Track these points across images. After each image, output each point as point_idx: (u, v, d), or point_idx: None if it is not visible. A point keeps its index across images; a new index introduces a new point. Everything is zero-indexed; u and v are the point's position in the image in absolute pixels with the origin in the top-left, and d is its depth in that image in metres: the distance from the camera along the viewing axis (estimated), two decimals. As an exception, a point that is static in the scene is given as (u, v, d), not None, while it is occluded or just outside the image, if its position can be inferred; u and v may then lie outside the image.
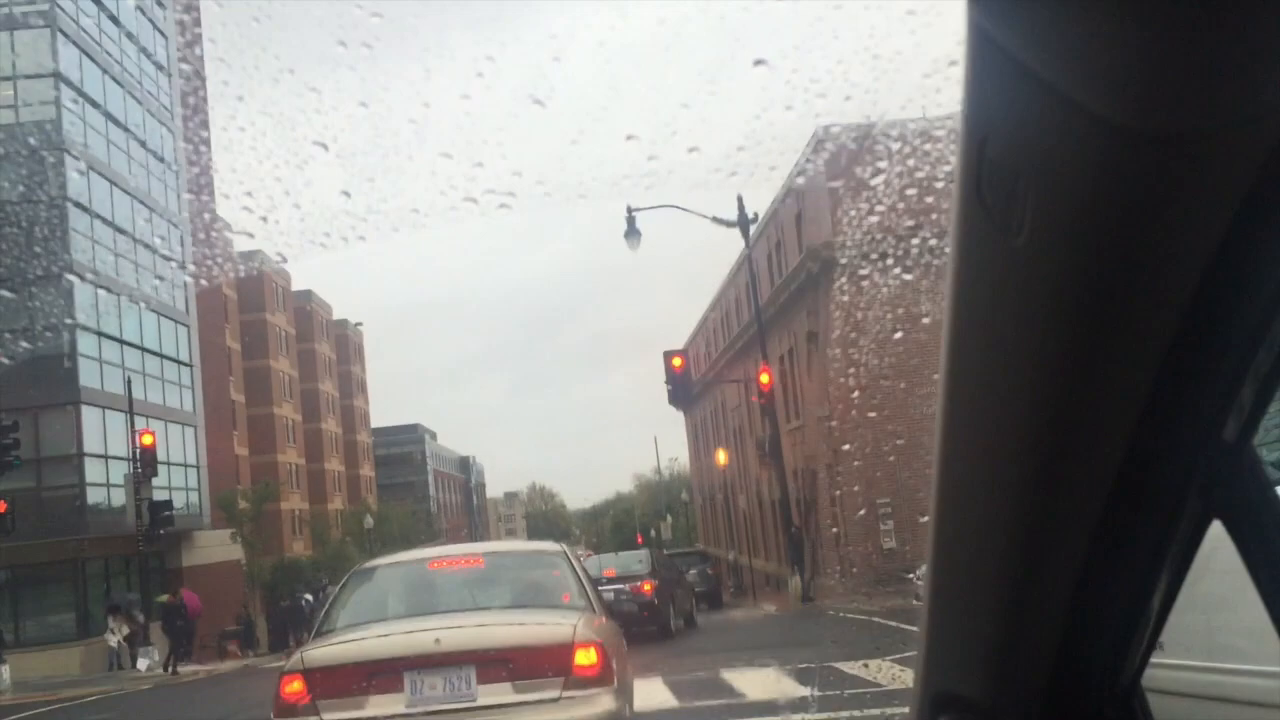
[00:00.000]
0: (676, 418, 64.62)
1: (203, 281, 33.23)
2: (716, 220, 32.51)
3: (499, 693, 6.27)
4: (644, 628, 18.50)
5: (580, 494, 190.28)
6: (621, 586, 19.61)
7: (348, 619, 7.27)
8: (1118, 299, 0.81)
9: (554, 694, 6.23)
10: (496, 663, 6.33)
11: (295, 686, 6.40)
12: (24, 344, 30.57)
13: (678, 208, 33.98)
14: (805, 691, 11.81)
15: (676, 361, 31.09)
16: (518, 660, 6.31)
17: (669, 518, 72.39)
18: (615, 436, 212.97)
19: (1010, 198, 0.80)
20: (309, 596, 39.53)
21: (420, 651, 6.35)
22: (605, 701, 6.35)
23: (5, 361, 28.50)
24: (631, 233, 31.88)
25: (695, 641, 18.04)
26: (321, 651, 6.62)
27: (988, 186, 0.82)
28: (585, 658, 6.39)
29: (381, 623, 7.13)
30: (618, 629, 7.61)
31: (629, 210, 32.15)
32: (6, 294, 29.24)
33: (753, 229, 32.99)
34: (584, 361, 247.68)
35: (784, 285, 35.39)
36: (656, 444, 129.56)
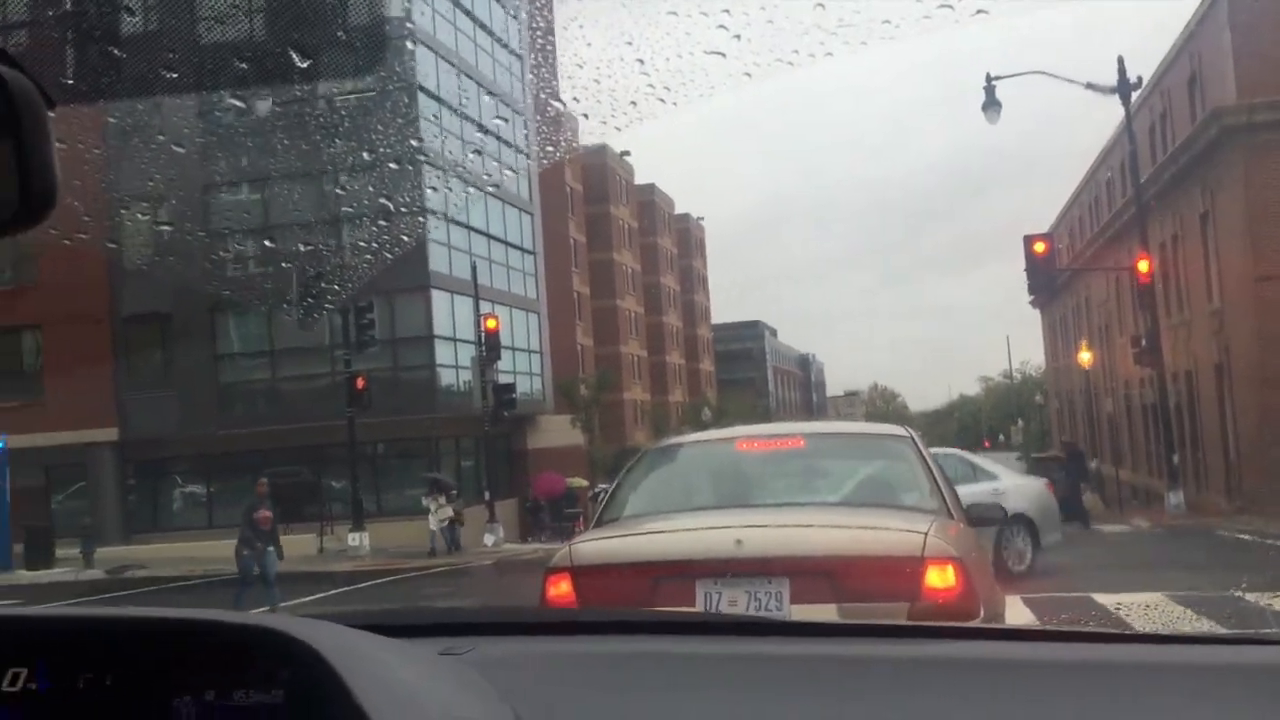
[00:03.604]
0: (1029, 319, 60.01)
1: (548, 165, 33.16)
2: (1091, 86, 28.61)
3: (818, 616, 4.61)
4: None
5: (923, 396, 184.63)
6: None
7: (634, 508, 5.82)
8: None
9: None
10: (817, 576, 4.64)
11: (562, 588, 5.02)
12: (381, 225, 31.79)
13: (1044, 73, 30.33)
14: (1207, 625, 9.45)
15: (1039, 246, 27.74)
16: (846, 575, 4.59)
17: (1020, 421, 67.93)
18: (963, 339, 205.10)
19: None
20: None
21: (717, 555, 4.78)
22: None
23: (361, 246, 29.71)
24: (990, 104, 28.70)
25: (1059, 556, 15.71)
26: (594, 546, 5.20)
27: None
28: (939, 577, 4.58)
29: (673, 515, 5.63)
30: (979, 542, 5.71)
31: (988, 78, 28.95)
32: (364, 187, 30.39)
33: (1135, 96, 28.73)
34: (934, 263, 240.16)
35: (1170, 160, 30.80)
36: (1009, 344, 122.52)
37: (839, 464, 6.02)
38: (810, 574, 4.65)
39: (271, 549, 15.67)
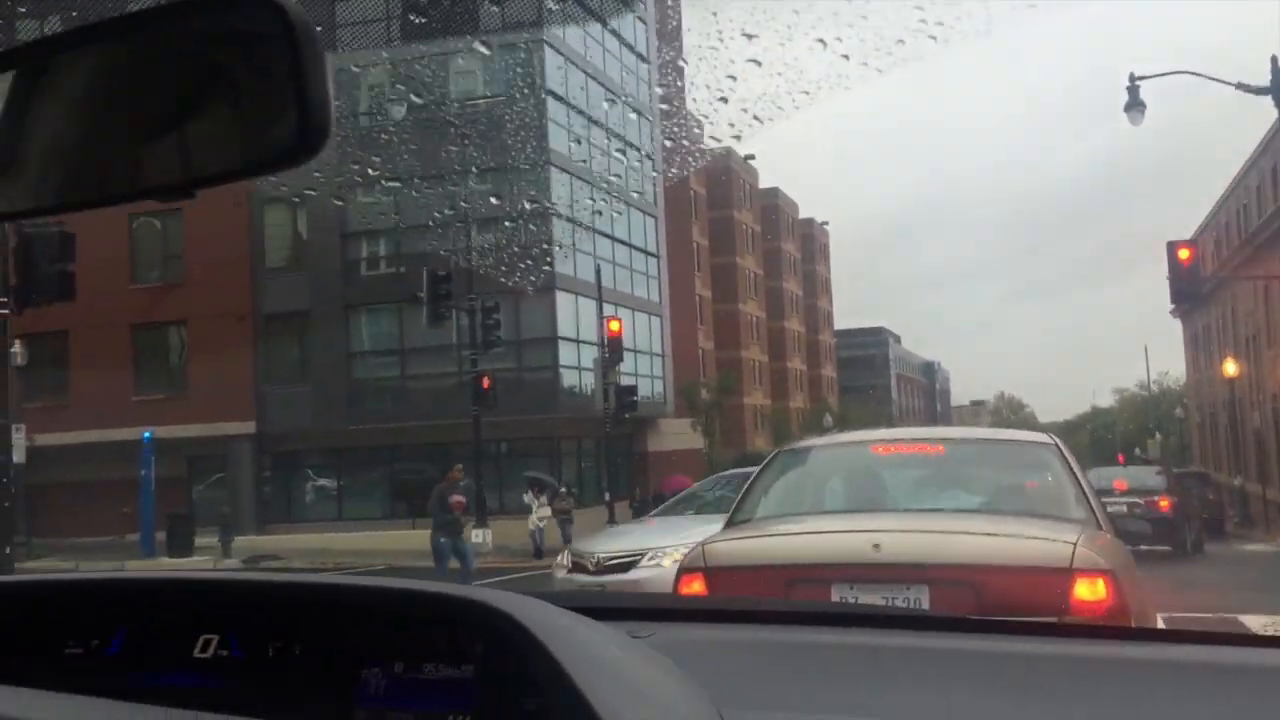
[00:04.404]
0: (1167, 329, 57.78)
1: (673, 172, 33.27)
2: (1241, 86, 27.38)
3: (964, 624, 4.47)
4: (1153, 545, 16.37)
5: (1052, 407, 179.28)
6: (1135, 500, 18.08)
7: (768, 509, 5.75)
8: None
9: (1041, 638, 4.33)
10: (958, 584, 4.50)
11: (695, 588, 4.98)
12: (508, 225, 32.33)
13: (1192, 73, 29.16)
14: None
15: (1183, 253, 26.66)
16: (989, 584, 4.43)
17: (1158, 435, 65.40)
18: (1096, 349, 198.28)
19: None
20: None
21: (855, 559, 4.68)
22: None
23: (489, 247, 30.23)
24: (1134, 104, 27.69)
25: (1204, 572, 15.10)
26: (728, 546, 5.14)
27: None
28: (1089, 589, 4.39)
29: (808, 517, 5.54)
30: (1129, 554, 5.48)
31: (1131, 78, 27.95)
32: (489, 189, 30.94)
33: (1288, 96, 27.36)
34: (1070, 271, 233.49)
35: (1327, 163, 29.29)
36: (1147, 354, 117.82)
37: (981, 471, 5.84)
38: (951, 582, 4.51)
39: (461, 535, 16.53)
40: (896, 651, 1.51)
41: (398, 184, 29.15)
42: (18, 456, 25.46)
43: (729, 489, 12.41)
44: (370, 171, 31.17)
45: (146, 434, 29.48)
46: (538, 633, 0.99)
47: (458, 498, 16.48)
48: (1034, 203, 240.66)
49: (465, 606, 1.08)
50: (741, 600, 4.10)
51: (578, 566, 11.02)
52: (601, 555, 10.97)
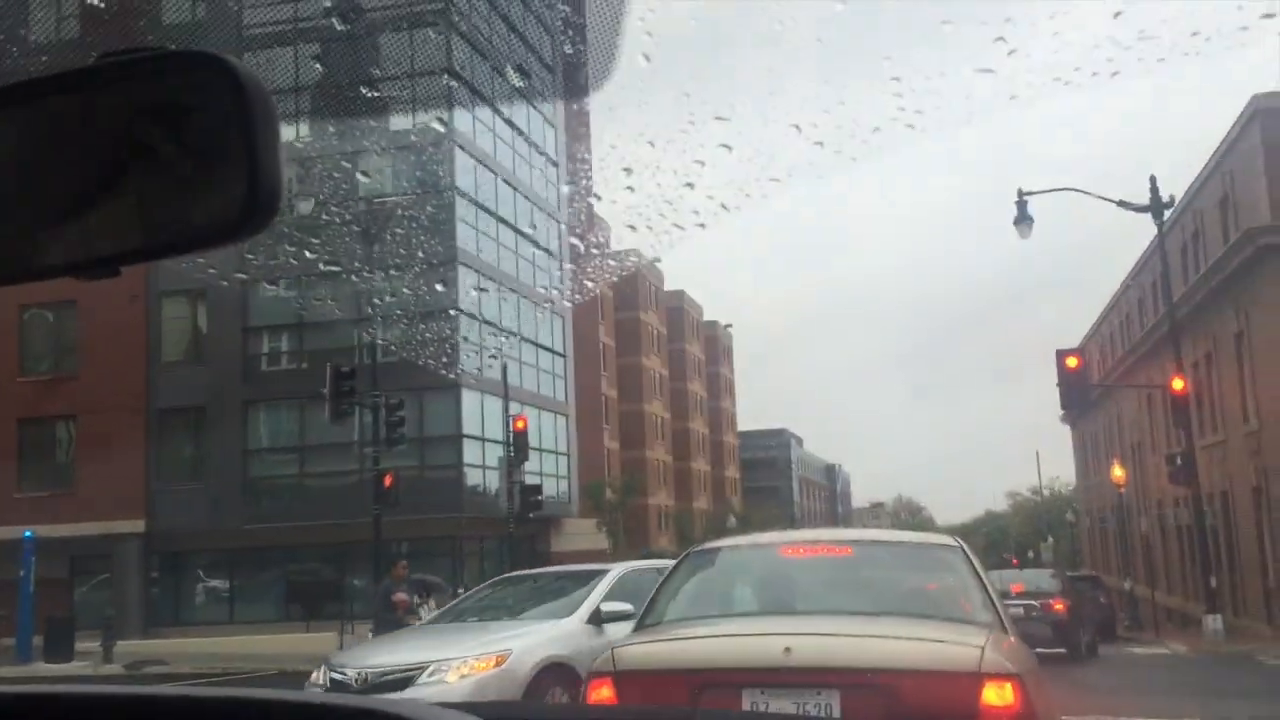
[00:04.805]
0: (1058, 434, 59.44)
1: (585, 288, 33.61)
2: (1123, 204, 28.77)
3: (869, 732, 4.47)
4: (1050, 648, 16.60)
5: (949, 509, 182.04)
6: (1031, 603, 18.39)
7: (676, 611, 5.71)
8: None
9: (950, 745, 4.35)
10: (869, 689, 4.52)
11: (603, 693, 4.91)
12: (414, 322, 32.10)
13: (1076, 190, 30.57)
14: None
15: (1071, 361, 27.63)
16: (899, 688, 4.45)
17: (1050, 539, 66.78)
18: (990, 452, 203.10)
19: None
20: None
21: (765, 663, 4.67)
22: None
23: (393, 346, 29.98)
24: (1023, 219, 28.88)
25: (1099, 675, 15.31)
26: (638, 651, 5.08)
27: None
28: (998, 695, 4.43)
29: (719, 620, 5.52)
30: (1034, 658, 5.55)
31: (1020, 194, 29.19)
32: (396, 282, 30.82)
33: (1167, 215, 28.83)
34: (964, 375, 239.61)
35: (1204, 279, 30.79)
36: (1038, 459, 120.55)
37: (889, 573, 5.90)
38: (862, 687, 4.52)
39: None
40: None
41: (303, 277, 28.88)
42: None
43: (514, 591, 11.62)
44: (275, 264, 30.90)
45: (27, 533, 28.19)
46: None
47: (401, 595, 15.84)
48: (934, 305, 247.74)
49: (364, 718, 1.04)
50: (653, 711, 4.03)
51: (337, 684, 8.83)
52: (370, 671, 8.86)
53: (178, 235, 0.89)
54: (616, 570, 10.64)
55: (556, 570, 13.01)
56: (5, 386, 32.48)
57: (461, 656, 8.86)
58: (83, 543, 32.15)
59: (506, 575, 13.13)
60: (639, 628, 5.65)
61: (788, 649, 4.61)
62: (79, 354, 34.25)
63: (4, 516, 30.23)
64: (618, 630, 8.33)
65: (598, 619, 9.48)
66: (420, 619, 27.52)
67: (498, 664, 8.82)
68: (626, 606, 8.96)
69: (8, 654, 26.79)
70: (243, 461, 34.04)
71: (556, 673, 8.90)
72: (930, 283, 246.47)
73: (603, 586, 10.05)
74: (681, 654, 5.02)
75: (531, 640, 9.23)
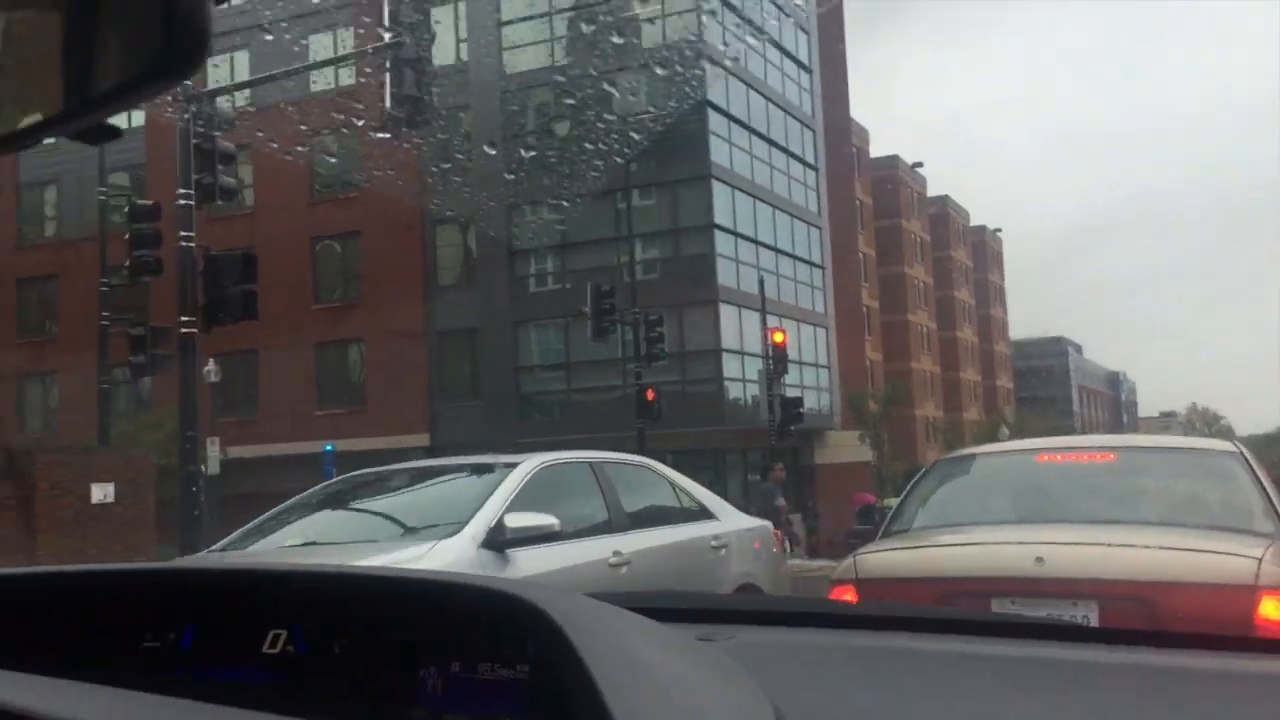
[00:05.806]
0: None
1: (842, 196, 32.94)
2: None
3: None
4: None
5: (1254, 419, 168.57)
6: None
7: (925, 519, 5.54)
8: None
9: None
10: (1130, 601, 4.22)
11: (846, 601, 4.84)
12: (666, 243, 32.47)
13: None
14: None
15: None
16: (1165, 602, 4.13)
17: (1372, 450, 60.82)
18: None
19: None
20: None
21: (1015, 573, 4.45)
22: None
23: (652, 260, 30.47)
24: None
25: None
26: (880, 559, 4.96)
27: None
28: (1278, 609, 4.06)
29: (966, 528, 5.30)
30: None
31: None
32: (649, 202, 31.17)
33: None
34: (1268, 277, 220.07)
35: None
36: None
37: (1154, 480, 5.47)
38: (1122, 599, 4.23)
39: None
40: (1003, 660, 1.37)
41: (564, 202, 29.68)
42: (212, 468, 26.95)
43: (369, 494, 7.55)
44: (539, 187, 31.89)
45: (329, 446, 30.78)
46: (569, 630, 0.91)
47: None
48: (1234, 201, 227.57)
49: (505, 603, 1.02)
50: (835, 604, 3.92)
51: None
52: None
53: (90, 89, 0.75)
54: (528, 464, 6.63)
55: (434, 463, 8.51)
56: (303, 314, 35.28)
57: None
58: (375, 456, 34.73)
59: (352, 474, 8.22)
60: (884, 535, 5.52)
61: (1039, 559, 4.39)
62: (364, 281, 36.75)
63: (308, 431, 33.14)
64: (530, 558, 5.83)
65: (500, 539, 5.86)
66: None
67: None
68: (546, 520, 5.98)
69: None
70: (514, 379, 35.69)
71: None
72: (1231, 176, 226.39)
73: (505, 489, 6.25)
74: (927, 562, 4.86)
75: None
